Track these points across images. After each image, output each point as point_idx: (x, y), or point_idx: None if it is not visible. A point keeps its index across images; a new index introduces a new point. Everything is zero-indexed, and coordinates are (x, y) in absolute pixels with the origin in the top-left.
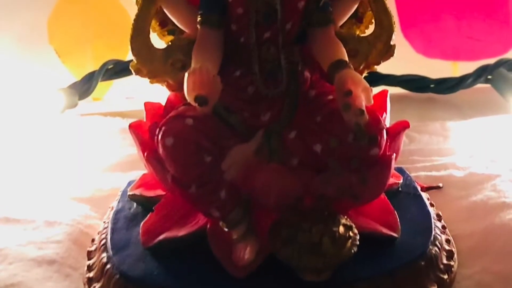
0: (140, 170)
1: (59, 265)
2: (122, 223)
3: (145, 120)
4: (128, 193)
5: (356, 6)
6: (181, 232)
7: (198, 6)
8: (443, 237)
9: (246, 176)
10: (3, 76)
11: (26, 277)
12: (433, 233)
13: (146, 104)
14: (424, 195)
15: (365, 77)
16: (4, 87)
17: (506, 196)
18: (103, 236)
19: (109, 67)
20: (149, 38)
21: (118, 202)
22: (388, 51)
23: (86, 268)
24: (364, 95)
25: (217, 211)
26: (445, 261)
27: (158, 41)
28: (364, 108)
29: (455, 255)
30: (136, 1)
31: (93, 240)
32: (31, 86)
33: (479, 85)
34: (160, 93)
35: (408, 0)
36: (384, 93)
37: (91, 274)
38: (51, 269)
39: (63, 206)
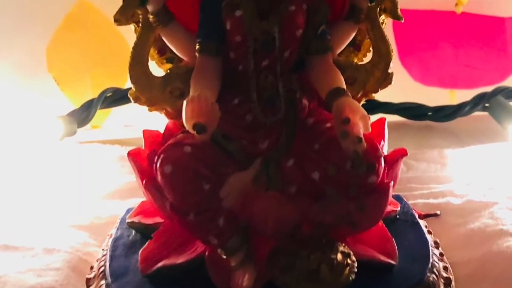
0: (138, 197)
1: None
2: (121, 250)
3: (143, 147)
4: (127, 221)
5: (354, 34)
6: (180, 260)
7: (197, 34)
8: (441, 264)
9: (245, 204)
10: (2, 104)
11: None
12: (431, 260)
13: (144, 132)
14: (422, 223)
15: (363, 105)
16: (4, 115)
17: (504, 224)
18: (102, 263)
19: (108, 95)
20: (147, 66)
21: (117, 229)
22: (386, 79)
23: None
24: (362, 123)
25: (216, 239)
26: None
27: (157, 69)
28: (362, 135)
29: (453, 283)
30: (135, 29)
31: (92, 268)
32: (30, 114)
33: (476, 113)
34: (158, 121)
35: (406, 28)
36: (382, 121)
37: None
38: None
39: (62, 233)
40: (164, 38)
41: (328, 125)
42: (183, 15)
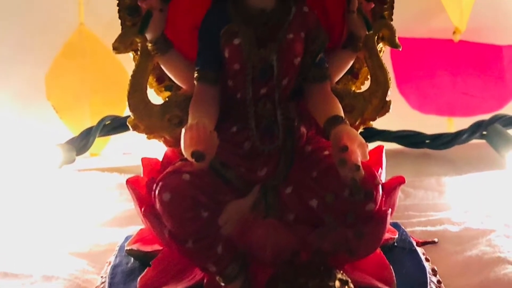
0: (137, 225)
1: None
2: (120, 278)
3: (142, 175)
4: (126, 248)
5: (352, 62)
6: (178, 287)
7: (195, 62)
8: None
9: (243, 231)
10: (2, 132)
11: None
12: (429, 287)
13: (143, 159)
14: (420, 250)
15: (360, 133)
16: (3, 143)
17: (501, 251)
18: None
19: (107, 123)
20: (146, 94)
21: (116, 257)
22: (383, 107)
23: None
24: (360, 151)
25: (214, 266)
26: None
27: (156, 97)
28: (360, 163)
29: None
30: (134, 57)
31: None
32: (29, 142)
33: (474, 141)
34: (157, 149)
35: (403, 56)
36: (379, 149)
37: None
38: None
39: (61, 260)
40: (162, 66)
41: (326, 152)
42: (182, 43)
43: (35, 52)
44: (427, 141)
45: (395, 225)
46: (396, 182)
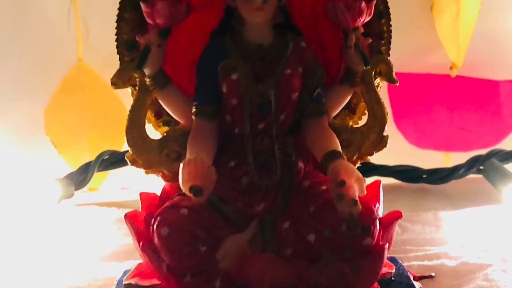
0: (135, 259)
1: None
2: None
3: (140, 210)
4: (124, 283)
5: (349, 97)
6: None
7: (193, 97)
8: None
9: (241, 266)
10: (0, 166)
11: None
12: None
13: (141, 194)
14: (417, 285)
15: (358, 168)
16: (2, 177)
17: (498, 286)
18: None
19: (105, 157)
20: (144, 129)
21: None
22: (381, 142)
23: None
24: (357, 186)
25: None
26: None
27: (154, 132)
28: (357, 198)
29: None
30: (132, 92)
31: None
32: (28, 176)
33: (471, 176)
34: (155, 183)
35: (401, 91)
36: (377, 184)
37: None
38: None
39: None
40: (160, 101)
41: (324, 187)
42: (180, 78)
43: (34, 88)
44: (424, 176)
45: (392, 260)
46: (393, 217)
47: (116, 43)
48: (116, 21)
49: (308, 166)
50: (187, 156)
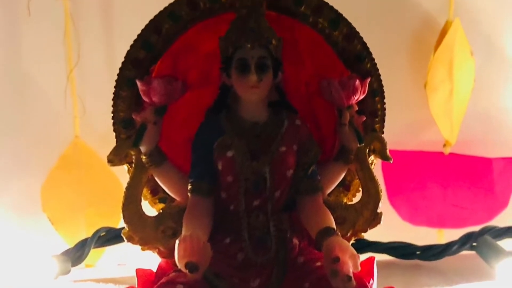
0: None
1: None
2: None
3: (137, 286)
4: None
5: (343, 174)
6: None
7: (189, 174)
8: None
9: None
10: None
11: None
12: None
13: (137, 270)
14: None
15: (352, 244)
16: None
17: None
18: None
19: (102, 234)
20: (140, 205)
21: None
22: (375, 219)
23: None
24: (352, 262)
25: None
26: None
27: (150, 209)
28: (351, 274)
29: None
30: (128, 169)
31: None
32: (24, 253)
33: (464, 252)
34: (151, 260)
35: (394, 168)
36: (371, 260)
37: None
38: None
39: None
40: (156, 178)
41: (318, 264)
42: (176, 155)
43: (31, 165)
44: (417, 253)
45: None
46: None
47: (112, 120)
48: (113, 99)
49: (303, 243)
50: (183, 232)
